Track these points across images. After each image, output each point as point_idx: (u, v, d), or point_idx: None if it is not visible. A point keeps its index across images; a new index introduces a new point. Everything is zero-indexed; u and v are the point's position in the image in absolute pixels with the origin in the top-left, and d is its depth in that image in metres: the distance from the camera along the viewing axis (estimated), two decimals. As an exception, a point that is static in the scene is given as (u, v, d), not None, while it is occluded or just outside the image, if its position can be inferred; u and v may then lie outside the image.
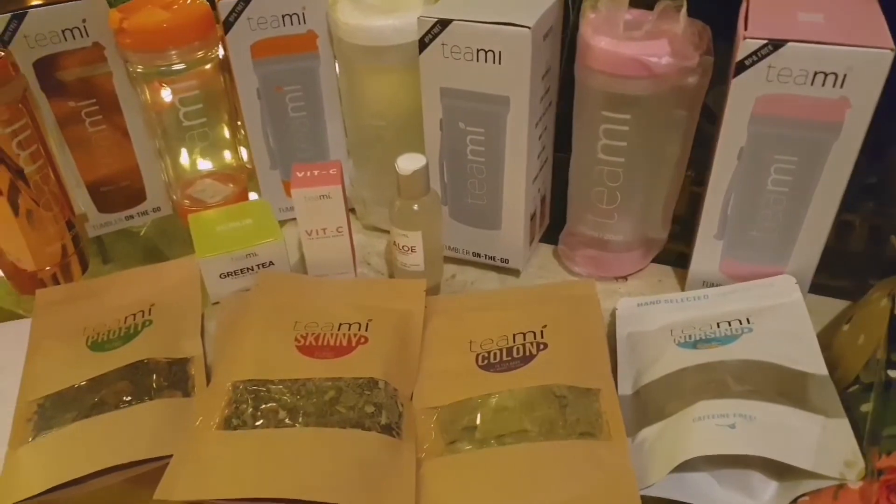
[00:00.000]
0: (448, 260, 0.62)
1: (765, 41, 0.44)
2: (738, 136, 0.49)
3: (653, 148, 0.53)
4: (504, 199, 0.57)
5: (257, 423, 0.44)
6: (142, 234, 0.69)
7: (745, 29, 0.45)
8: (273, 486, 0.40)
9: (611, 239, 0.58)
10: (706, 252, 0.55)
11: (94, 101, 0.61)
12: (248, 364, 0.48)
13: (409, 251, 0.56)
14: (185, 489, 0.41)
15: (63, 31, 0.57)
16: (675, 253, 0.60)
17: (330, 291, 0.56)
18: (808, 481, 0.38)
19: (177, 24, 0.58)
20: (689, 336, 0.49)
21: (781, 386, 0.43)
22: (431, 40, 0.52)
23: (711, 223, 0.54)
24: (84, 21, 0.58)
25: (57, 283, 0.61)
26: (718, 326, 0.49)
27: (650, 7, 0.50)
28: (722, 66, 0.49)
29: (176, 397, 0.49)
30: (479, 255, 0.61)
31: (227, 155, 0.67)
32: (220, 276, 0.57)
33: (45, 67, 0.58)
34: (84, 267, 0.63)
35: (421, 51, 0.52)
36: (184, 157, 0.66)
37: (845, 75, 0.43)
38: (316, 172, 0.57)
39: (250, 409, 0.45)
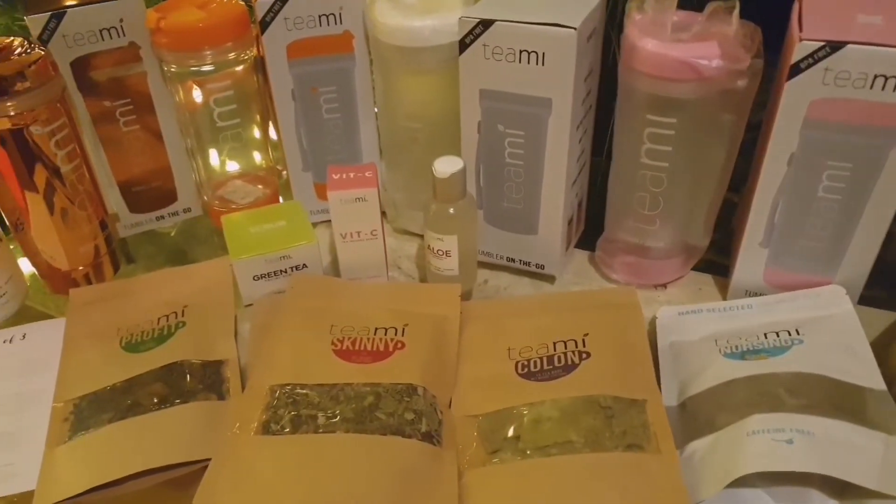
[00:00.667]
0: (481, 265, 0.61)
1: (822, 43, 0.43)
2: (790, 141, 0.47)
3: (698, 153, 0.51)
4: (542, 204, 0.56)
5: (296, 429, 0.44)
6: (172, 234, 0.68)
7: (801, 30, 0.44)
8: (315, 494, 0.40)
9: (652, 246, 0.56)
10: (750, 260, 0.54)
11: (129, 100, 0.61)
12: (285, 368, 0.48)
13: (444, 255, 0.56)
14: (224, 496, 0.40)
15: (100, 31, 0.57)
16: (705, 261, 0.59)
17: (364, 295, 0.55)
18: (871, 501, 0.37)
19: (213, 24, 0.57)
20: (736, 347, 0.48)
21: (838, 400, 0.41)
22: (472, 41, 0.51)
23: (757, 231, 0.52)
24: (121, 21, 0.58)
25: (89, 282, 0.61)
26: (766, 337, 0.47)
27: (698, 8, 0.49)
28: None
29: (211, 400, 0.49)
30: (513, 260, 0.60)
31: (259, 156, 0.67)
32: (254, 278, 0.57)
33: (82, 67, 0.58)
34: (116, 267, 0.63)
35: (461, 52, 0.51)
36: (216, 158, 0.65)
37: (907, 79, 0.42)
38: (351, 175, 0.56)
39: (289, 414, 0.44)
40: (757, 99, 0.49)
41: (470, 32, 0.50)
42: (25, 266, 0.62)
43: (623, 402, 0.44)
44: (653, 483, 0.40)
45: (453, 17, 0.53)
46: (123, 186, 0.65)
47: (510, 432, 0.44)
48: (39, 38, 0.55)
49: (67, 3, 0.56)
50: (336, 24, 0.58)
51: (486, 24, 0.50)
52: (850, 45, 0.42)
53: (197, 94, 0.60)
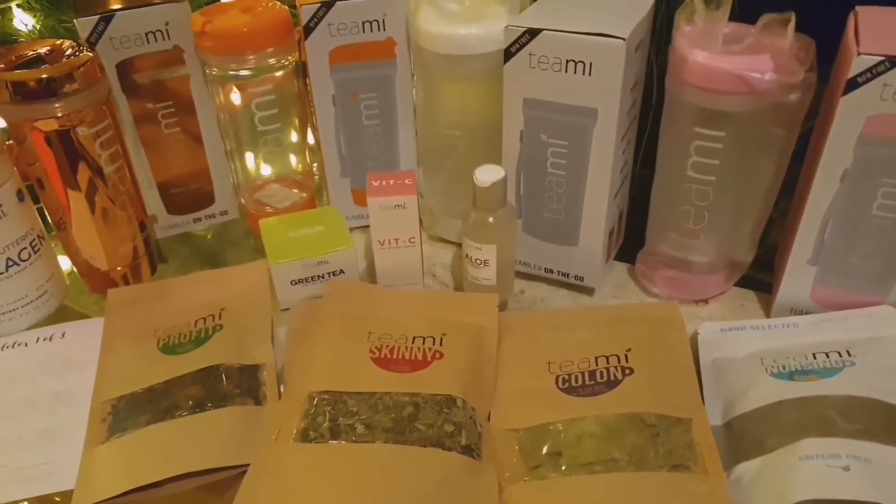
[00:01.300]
0: (517, 275, 0.60)
1: (882, 58, 0.42)
2: (843, 157, 0.46)
3: (746, 167, 0.50)
4: (584, 215, 0.55)
5: (335, 437, 0.43)
6: (209, 237, 0.69)
7: (858, 44, 0.43)
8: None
9: (695, 260, 0.55)
10: (796, 278, 0.52)
11: (171, 103, 0.61)
12: (323, 374, 0.47)
13: (482, 265, 0.55)
14: (264, 503, 0.40)
15: (146, 34, 0.58)
16: (745, 276, 0.58)
17: (401, 302, 0.55)
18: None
19: (257, 29, 0.57)
20: (784, 366, 0.46)
21: (894, 426, 0.40)
22: (518, 50, 0.50)
23: (805, 248, 0.51)
24: (167, 24, 0.58)
25: (127, 283, 0.61)
26: (815, 357, 0.46)
27: (749, 20, 0.48)
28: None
29: (248, 405, 0.49)
30: (551, 270, 0.60)
31: (297, 161, 0.67)
32: (291, 283, 0.57)
33: (126, 69, 0.59)
34: (153, 269, 0.63)
35: (506, 60, 0.51)
36: (255, 162, 0.65)
37: (969, 96, 0.41)
38: (391, 182, 0.56)
39: (327, 422, 0.44)
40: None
41: (516, 41, 0.50)
42: (65, 265, 0.62)
43: (668, 421, 0.43)
44: (701, 505, 0.39)
45: (498, 26, 0.52)
46: (162, 188, 0.65)
47: (551, 448, 0.43)
48: (87, 40, 0.56)
49: (114, 7, 0.57)
50: (379, 30, 0.58)
51: (532, 32, 0.49)
52: (912, 61, 0.41)
53: (238, 98, 0.61)
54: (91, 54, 0.53)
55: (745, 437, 0.43)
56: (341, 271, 0.57)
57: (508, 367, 0.50)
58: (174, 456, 0.45)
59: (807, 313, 0.53)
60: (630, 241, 0.61)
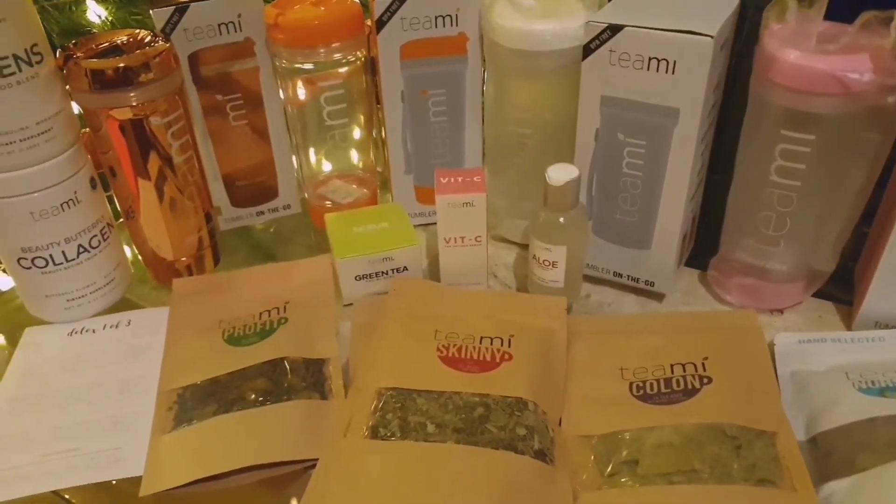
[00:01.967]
0: (584, 278, 0.59)
1: None
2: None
3: (835, 172, 0.48)
4: (659, 218, 0.53)
5: (405, 435, 0.42)
6: (272, 230, 0.69)
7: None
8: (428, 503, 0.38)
9: (773, 268, 0.53)
10: (883, 291, 0.50)
11: (239, 95, 0.62)
12: (391, 370, 0.47)
13: (550, 266, 0.54)
14: (335, 498, 0.39)
15: (219, 26, 0.58)
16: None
17: (466, 302, 0.54)
18: None
19: (329, 22, 0.57)
20: (872, 382, 0.44)
21: None
22: (598, 46, 0.49)
23: (893, 260, 0.49)
24: (239, 16, 0.58)
25: (191, 274, 0.62)
26: (907, 374, 0.44)
27: (846, 20, 0.46)
28: None
29: (314, 399, 0.48)
30: (620, 275, 0.58)
31: (360, 157, 0.66)
32: (356, 278, 0.56)
33: (197, 60, 0.59)
34: (216, 260, 0.64)
35: (584, 56, 0.50)
36: (321, 156, 0.65)
37: None
38: (460, 179, 0.55)
39: (396, 419, 0.43)
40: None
41: (596, 38, 0.49)
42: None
43: (750, 433, 0.42)
44: (791, 524, 0.37)
45: (575, 21, 0.51)
46: (227, 180, 0.65)
47: (628, 456, 0.42)
48: (162, 30, 0.56)
49: (182, -1, 0.57)
50: (452, 25, 0.57)
51: (614, 29, 0.48)
52: None
53: (307, 92, 0.60)
54: (167, 45, 0.53)
55: (833, 455, 0.41)
56: (405, 268, 0.57)
57: (579, 372, 0.49)
58: (239, 448, 0.45)
59: (893, 327, 0.50)
60: (699, 247, 0.60)
